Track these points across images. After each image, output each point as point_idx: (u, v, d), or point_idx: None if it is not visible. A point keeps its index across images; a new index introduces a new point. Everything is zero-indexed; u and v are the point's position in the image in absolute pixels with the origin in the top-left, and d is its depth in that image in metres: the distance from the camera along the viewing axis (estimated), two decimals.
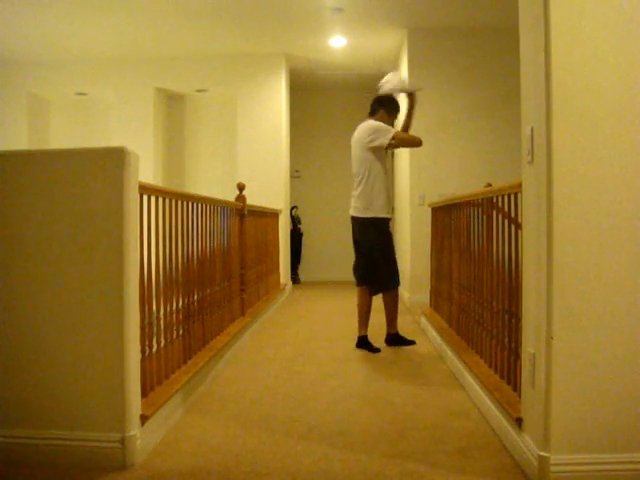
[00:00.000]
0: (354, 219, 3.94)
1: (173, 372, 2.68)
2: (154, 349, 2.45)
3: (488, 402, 2.50)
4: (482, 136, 5.95)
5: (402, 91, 3.99)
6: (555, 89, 1.77)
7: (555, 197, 1.78)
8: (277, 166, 7.03)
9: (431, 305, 4.74)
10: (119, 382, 2.01)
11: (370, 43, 6.62)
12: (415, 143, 3.92)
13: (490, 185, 3.76)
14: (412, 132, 3.99)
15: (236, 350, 3.85)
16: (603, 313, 1.80)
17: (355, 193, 3.90)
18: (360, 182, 3.85)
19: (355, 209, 3.91)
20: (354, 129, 3.99)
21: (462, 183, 5.50)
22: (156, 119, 7.16)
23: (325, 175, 8.73)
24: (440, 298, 4.36)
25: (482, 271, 3.03)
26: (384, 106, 3.92)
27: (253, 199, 5.03)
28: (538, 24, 1.84)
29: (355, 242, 4.00)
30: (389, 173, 3.99)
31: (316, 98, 8.63)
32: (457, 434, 2.35)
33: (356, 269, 4.02)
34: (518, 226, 2.30)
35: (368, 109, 4.00)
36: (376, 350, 3.82)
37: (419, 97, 4.01)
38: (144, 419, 2.11)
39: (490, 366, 2.75)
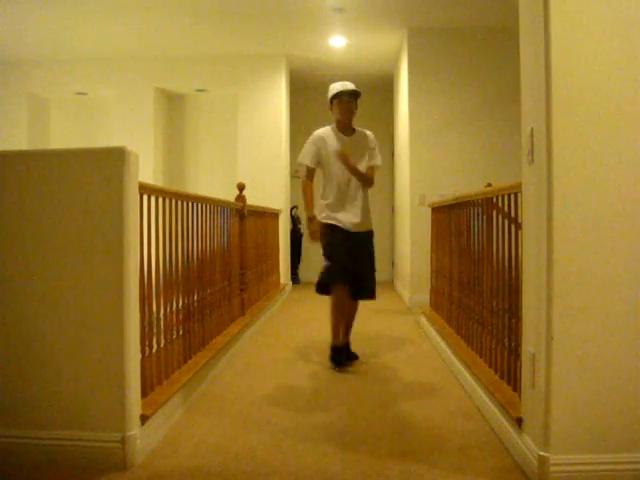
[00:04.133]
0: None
1: (173, 372, 2.68)
2: (154, 349, 2.45)
3: (488, 402, 2.50)
4: (482, 136, 5.94)
5: None
6: (555, 89, 1.77)
7: (555, 197, 1.78)
8: (277, 166, 7.02)
9: (431, 305, 4.74)
10: (119, 382, 2.01)
11: (370, 43, 6.62)
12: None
13: (490, 185, 3.76)
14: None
15: (236, 350, 3.85)
16: (603, 313, 1.80)
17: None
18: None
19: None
20: None
21: (462, 183, 5.50)
22: (156, 119, 7.15)
23: None
24: (440, 298, 4.36)
25: (482, 271, 3.03)
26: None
27: (253, 199, 5.02)
28: (538, 24, 1.84)
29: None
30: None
31: (316, 98, 8.61)
32: (457, 434, 2.35)
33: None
34: (518, 226, 2.30)
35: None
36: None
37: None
38: (144, 419, 2.11)
39: (490, 366, 2.75)
